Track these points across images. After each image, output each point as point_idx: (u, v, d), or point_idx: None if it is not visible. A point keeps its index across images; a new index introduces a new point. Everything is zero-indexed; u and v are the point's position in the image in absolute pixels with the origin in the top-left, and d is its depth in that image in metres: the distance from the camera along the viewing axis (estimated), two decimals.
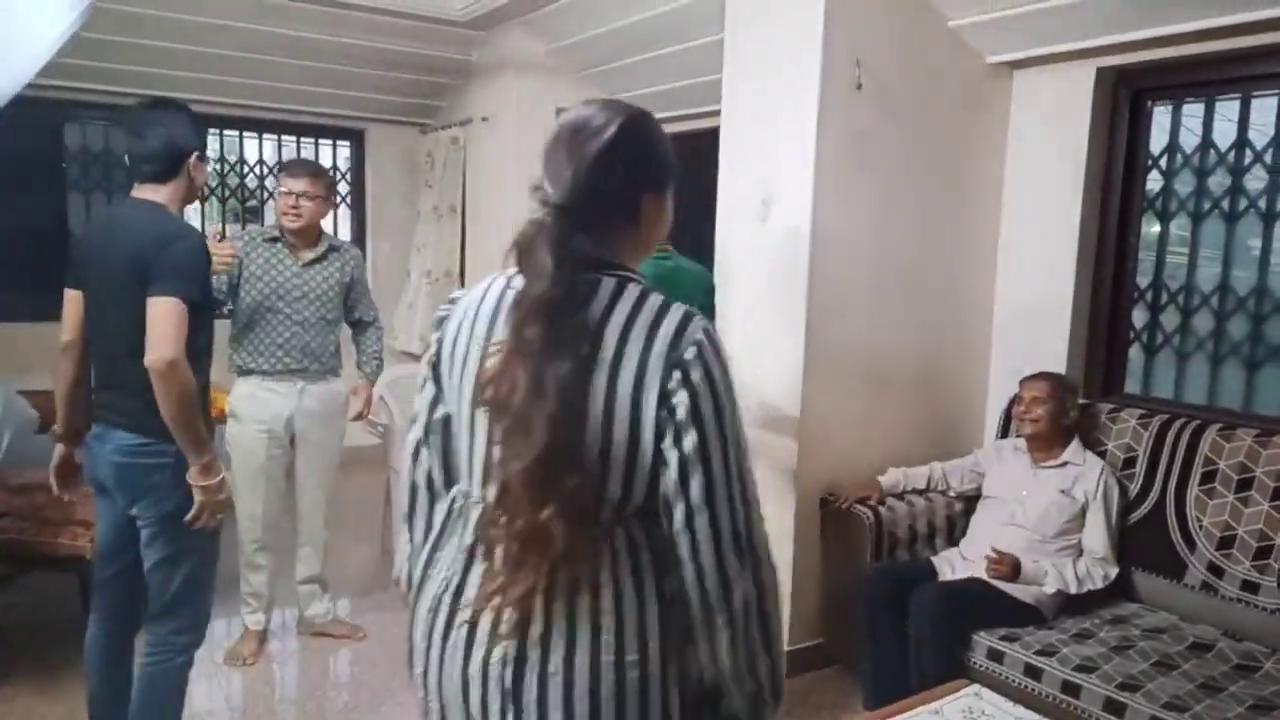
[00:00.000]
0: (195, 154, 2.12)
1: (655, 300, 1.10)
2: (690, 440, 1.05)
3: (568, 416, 1.03)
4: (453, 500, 1.21)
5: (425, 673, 1.17)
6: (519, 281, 1.09)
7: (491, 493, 1.12)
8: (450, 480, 1.23)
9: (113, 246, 2.03)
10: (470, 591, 1.12)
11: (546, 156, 1.12)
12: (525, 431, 1.03)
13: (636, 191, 1.15)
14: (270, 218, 4.87)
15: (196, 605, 2.18)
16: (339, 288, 3.09)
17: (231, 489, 3.02)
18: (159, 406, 1.93)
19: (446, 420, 1.21)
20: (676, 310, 1.09)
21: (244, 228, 5.21)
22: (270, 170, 5.41)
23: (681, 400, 1.05)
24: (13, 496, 2.97)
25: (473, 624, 1.11)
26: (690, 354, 1.05)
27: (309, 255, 3.04)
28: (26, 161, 4.46)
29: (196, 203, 5.30)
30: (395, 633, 3.32)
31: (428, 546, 1.22)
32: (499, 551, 1.08)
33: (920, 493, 2.96)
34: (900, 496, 2.92)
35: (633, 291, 1.10)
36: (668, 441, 1.06)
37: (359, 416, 3.24)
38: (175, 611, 2.13)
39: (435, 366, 1.21)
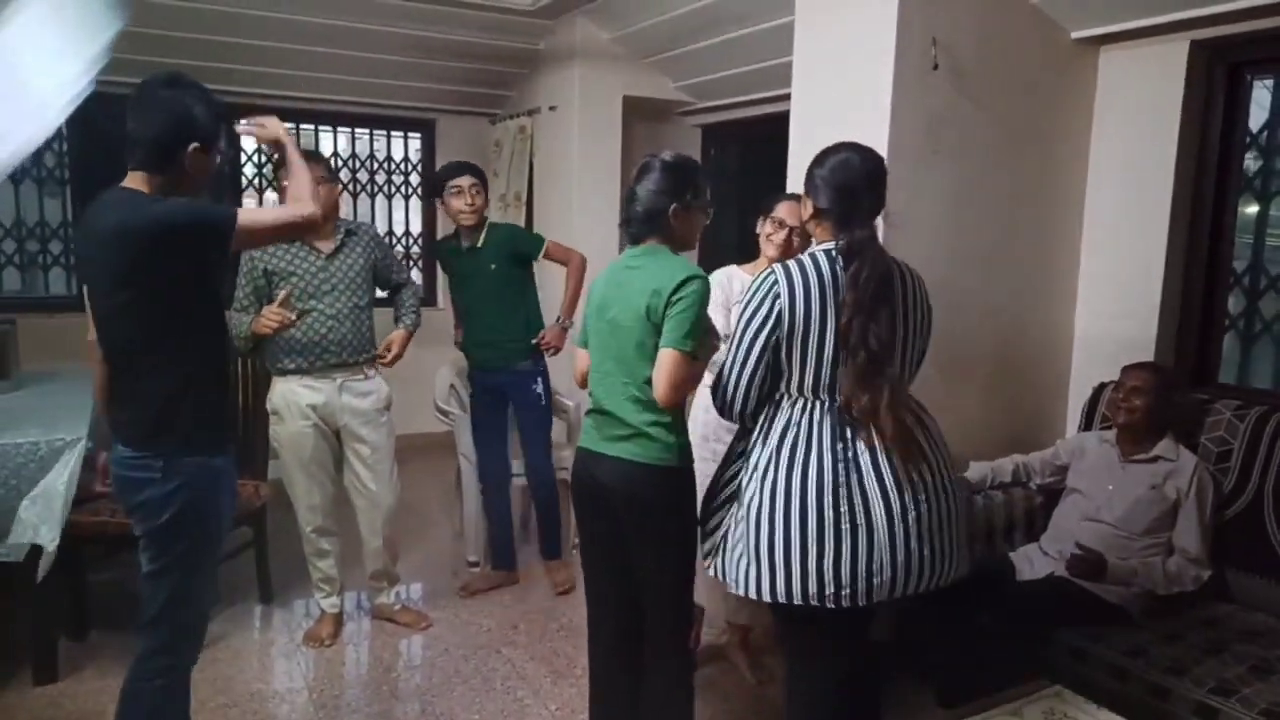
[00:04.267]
0: (196, 144, 1.87)
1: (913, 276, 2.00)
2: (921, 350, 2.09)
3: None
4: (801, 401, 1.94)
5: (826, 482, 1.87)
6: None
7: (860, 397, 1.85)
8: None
9: (90, 245, 1.87)
10: (859, 447, 1.86)
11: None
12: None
13: None
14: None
15: (176, 626, 2.02)
16: (366, 272, 3.04)
17: (286, 483, 3.08)
18: None
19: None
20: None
21: None
22: (344, 163, 5.52)
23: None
24: (106, 478, 3.10)
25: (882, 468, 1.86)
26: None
27: (329, 246, 2.97)
28: (104, 158, 4.63)
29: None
30: (465, 618, 3.38)
31: (779, 429, 1.92)
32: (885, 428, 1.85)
33: (1003, 487, 2.87)
34: (981, 491, 2.83)
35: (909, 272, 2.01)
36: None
37: (392, 361, 3.13)
38: (155, 628, 1.99)
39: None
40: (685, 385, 2.01)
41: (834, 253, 1.90)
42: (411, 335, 3.22)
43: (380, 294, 3.22)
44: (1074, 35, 3.01)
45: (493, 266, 3.41)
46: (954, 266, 2.89)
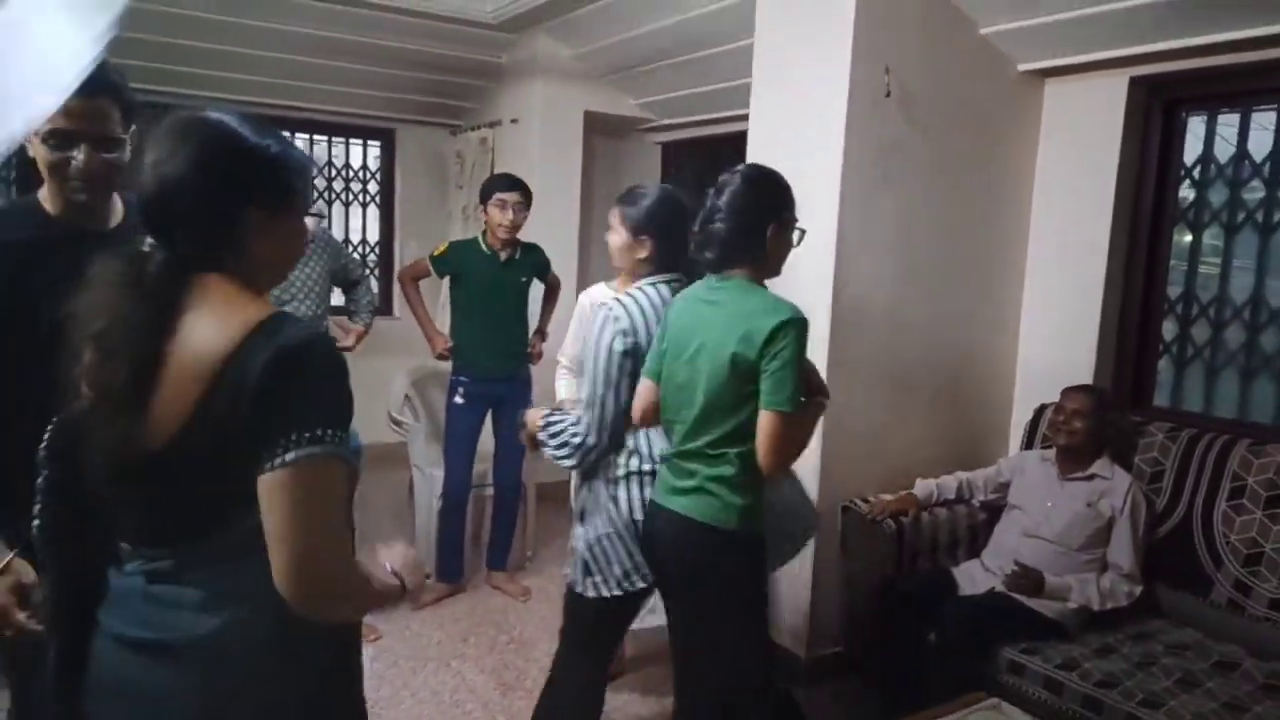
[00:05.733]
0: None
1: None
2: None
3: None
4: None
5: None
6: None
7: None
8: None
9: None
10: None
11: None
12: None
13: None
14: None
15: None
16: (324, 280, 3.13)
17: None
18: None
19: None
20: None
21: None
22: None
23: None
24: None
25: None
26: None
27: None
28: None
29: None
30: (415, 630, 3.36)
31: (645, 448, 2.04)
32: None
33: (947, 503, 2.94)
34: (926, 508, 2.90)
35: None
36: None
37: (349, 348, 3.32)
38: None
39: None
40: (791, 448, 1.80)
41: (673, 285, 2.03)
42: (366, 333, 3.39)
43: (337, 303, 3.28)
44: (1021, 68, 3.11)
45: (523, 280, 3.62)
46: (902, 290, 2.97)
